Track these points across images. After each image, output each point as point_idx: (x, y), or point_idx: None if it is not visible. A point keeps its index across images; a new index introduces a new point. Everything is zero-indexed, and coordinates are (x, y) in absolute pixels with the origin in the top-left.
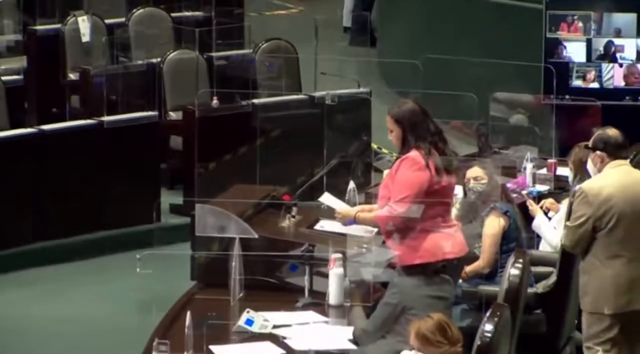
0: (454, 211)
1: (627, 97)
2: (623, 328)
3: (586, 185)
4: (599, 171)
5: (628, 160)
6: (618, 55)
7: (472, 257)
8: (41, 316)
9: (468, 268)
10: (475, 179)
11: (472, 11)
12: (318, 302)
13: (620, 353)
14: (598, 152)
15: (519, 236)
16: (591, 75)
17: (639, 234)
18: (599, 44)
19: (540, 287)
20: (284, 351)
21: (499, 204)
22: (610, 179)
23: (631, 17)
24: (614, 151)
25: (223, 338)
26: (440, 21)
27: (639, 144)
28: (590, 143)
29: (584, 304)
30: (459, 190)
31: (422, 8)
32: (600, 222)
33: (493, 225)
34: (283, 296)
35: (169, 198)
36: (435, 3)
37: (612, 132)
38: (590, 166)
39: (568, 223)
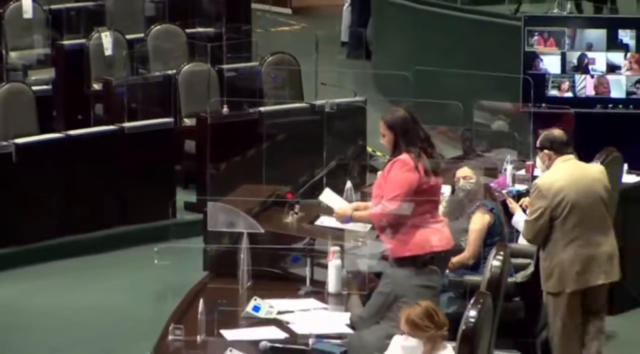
0: (441, 208)
1: (598, 105)
2: (582, 304)
3: (539, 181)
4: (548, 167)
5: (573, 155)
6: (590, 67)
7: (458, 250)
8: (67, 304)
9: (454, 259)
10: (464, 178)
11: (458, 27)
12: (318, 290)
13: (578, 326)
14: (546, 151)
15: (502, 231)
16: (565, 85)
17: (590, 219)
18: (573, 57)
19: (519, 277)
20: (288, 335)
21: (485, 202)
22: (560, 173)
23: (601, 32)
24: (560, 148)
25: (232, 323)
26: (428, 37)
27: (609, 147)
28: (537, 144)
29: (548, 286)
30: (446, 189)
31: (413, 25)
32: (556, 212)
33: (479, 221)
34: (287, 285)
35: (183, 197)
36: (424, 20)
37: (557, 132)
38: (539, 164)
39: (527, 218)
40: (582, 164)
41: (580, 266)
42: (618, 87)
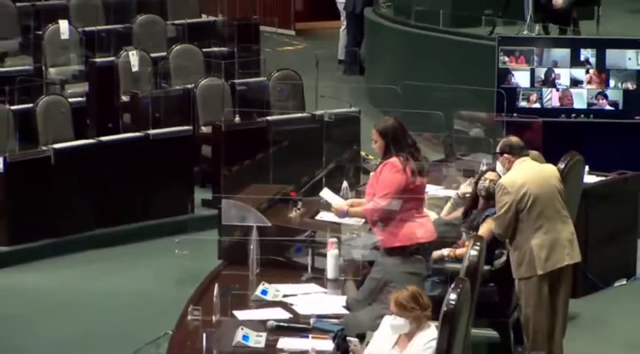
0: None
1: (562, 115)
2: (551, 285)
3: (503, 180)
4: (508, 169)
5: (528, 157)
6: (555, 81)
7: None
8: (99, 289)
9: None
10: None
11: (440, 47)
12: (318, 276)
13: (547, 307)
14: (505, 155)
15: None
16: (534, 97)
17: (550, 209)
18: (540, 72)
19: (494, 265)
20: (292, 315)
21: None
22: (520, 171)
23: (565, 51)
24: (518, 152)
25: (243, 304)
26: (415, 55)
27: (572, 152)
28: (497, 149)
29: (519, 273)
30: (430, 188)
31: (401, 45)
32: (520, 205)
33: (488, 228)
34: (291, 272)
35: (200, 194)
36: (411, 41)
37: (513, 138)
38: (499, 167)
39: (495, 216)
40: (537, 163)
41: (547, 251)
42: (580, 99)
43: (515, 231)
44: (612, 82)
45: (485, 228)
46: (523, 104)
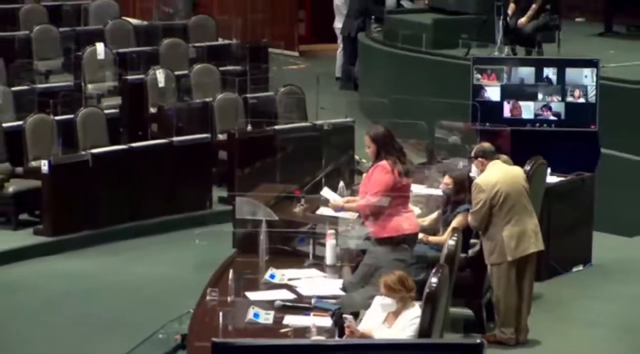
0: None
1: (528, 125)
2: (518, 270)
3: (478, 180)
4: (482, 171)
5: (499, 159)
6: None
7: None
8: (130, 273)
9: (432, 239)
10: (445, 184)
11: (423, 66)
12: (318, 263)
13: (515, 289)
14: (479, 158)
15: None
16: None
17: (518, 204)
18: (511, 88)
19: (469, 253)
20: (296, 296)
21: (468, 206)
22: (493, 172)
23: (531, 70)
24: (490, 155)
25: (254, 287)
26: (401, 73)
27: (536, 156)
28: (472, 154)
29: (492, 260)
30: (415, 187)
31: (389, 64)
32: (494, 201)
33: (460, 220)
34: (295, 258)
35: (217, 192)
36: (398, 61)
37: (486, 144)
38: (474, 169)
39: (472, 210)
40: (507, 165)
41: (516, 241)
42: (528, 111)
43: (489, 223)
44: (542, 96)
45: (457, 221)
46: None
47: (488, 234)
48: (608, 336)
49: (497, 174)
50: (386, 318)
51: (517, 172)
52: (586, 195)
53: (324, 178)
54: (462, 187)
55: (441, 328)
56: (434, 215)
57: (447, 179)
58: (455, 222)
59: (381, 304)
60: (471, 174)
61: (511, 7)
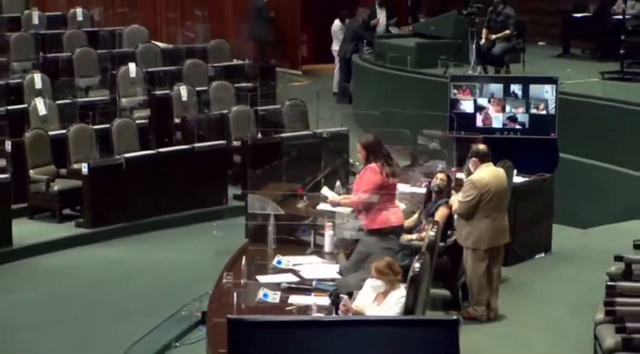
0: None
1: (497, 133)
2: (491, 257)
3: (473, 177)
4: (475, 168)
5: (491, 162)
6: (491, 107)
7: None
8: (158, 260)
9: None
10: (441, 179)
11: (408, 83)
12: (318, 250)
13: (486, 272)
14: (474, 159)
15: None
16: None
17: (499, 202)
18: (481, 101)
19: (447, 242)
20: (299, 279)
21: (447, 199)
22: (485, 172)
23: (500, 86)
24: (483, 157)
25: (263, 271)
26: (389, 89)
27: (505, 159)
28: (469, 153)
29: (467, 244)
30: (400, 186)
31: (379, 81)
32: (482, 197)
33: (442, 213)
34: (298, 247)
35: (232, 190)
36: (386, 78)
37: (481, 146)
38: (471, 167)
39: (461, 200)
40: (496, 168)
41: (490, 233)
42: (497, 121)
43: (473, 214)
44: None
45: (439, 215)
46: (480, 124)
47: (469, 221)
48: (564, 312)
49: (488, 174)
50: (376, 297)
51: (503, 176)
52: (547, 193)
53: (323, 178)
54: (448, 184)
55: (423, 306)
56: (415, 216)
57: (442, 176)
58: (438, 216)
59: (372, 285)
60: (458, 175)
61: (484, 32)
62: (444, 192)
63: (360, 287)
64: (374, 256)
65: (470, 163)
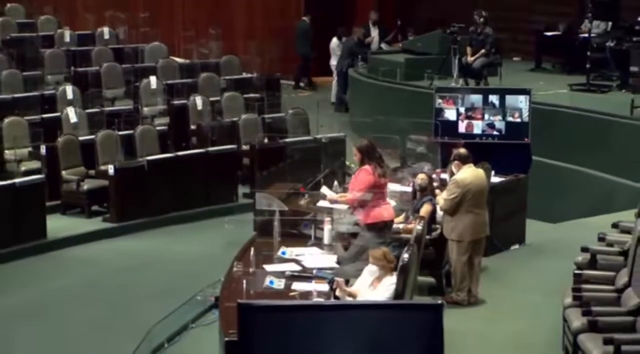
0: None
1: (477, 138)
2: (473, 249)
3: (457, 177)
4: (458, 169)
5: (472, 163)
6: (472, 115)
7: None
8: (175, 251)
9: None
10: (422, 179)
11: (398, 94)
12: (318, 242)
13: (467, 262)
14: (456, 161)
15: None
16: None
17: (480, 199)
18: (462, 110)
19: (432, 235)
20: (301, 268)
21: (431, 197)
22: (467, 173)
23: (479, 97)
24: (464, 160)
25: (270, 261)
26: (382, 99)
27: (483, 161)
28: (451, 157)
29: (452, 236)
30: (391, 186)
31: (373, 92)
32: (464, 195)
33: (425, 209)
34: (301, 239)
35: (242, 189)
36: (379, 90)
37: (461, 150)
38: (453, 169)
39: (446, 198)
40: (477, 169)
41: (472, 227)
42: (477, 128)
43: (456, 211)
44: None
45: (424, 210)
46: (462, 131)
47: (453, 217)
48: (537, 297)
49: (469, 175)
50: (372, 282)
51: (483, 176)
52: (521, 191)
53: (322, 179)
54: (430, 183)
55: (411, 292)
56: (402, 215)
57: (422, 176)
58: (422, 211)
59: (369, 271)
60: (442, 176)
61: (468, 50)
62: (427, 190)
63: (356, 275)
64: (370, 248)
65: (453, 166)
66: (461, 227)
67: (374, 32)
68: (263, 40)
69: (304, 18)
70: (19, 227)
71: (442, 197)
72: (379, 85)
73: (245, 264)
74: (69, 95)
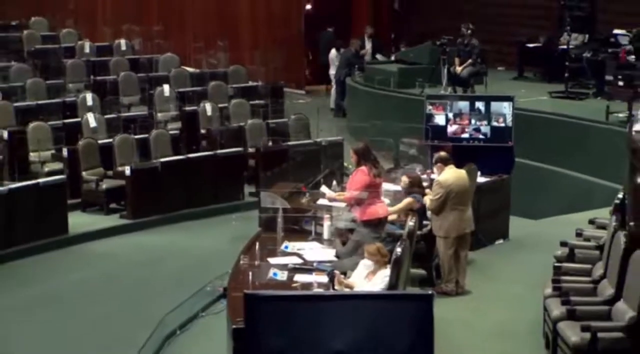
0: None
1: (464, 141)
2: (458, 244)
3: (439, 178)
4: (440, 171)
5: (453, 165)
6: (460, 121)
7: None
8: (186, 245)
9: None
10: (403, 181)
11: (392, 100)
12: (318, 238)
13: (453, 255)
14: (438, 164)
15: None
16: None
17: (462, 198)
18: (452, 116)
19: (423, 230)
20: (303, 261)
21: (415, 194)
22: (449, 174)
23: (466, 103)
24: (445, 162)
25: (273, 254)
26: (376, 105)
27: (470, 163)
28: (434, 161)
29: (440, 233)
30: (385, 185)
31: (368, 99)
32: (447, 194)
33: (407, 201)
34: (302, 234)
35: (248, 188)
36: (374, 97)
37: (442, 153)
38: (436, 171)
39: (431, 199)
40: (457, 169)
41: (457, 223)
42: (464, 132)
43: (441, 209)
44: (474, 121)
45: (405, 201)
46: (450, 135)
47: (439, 216)
48: (519, 288)
49: (451, 176)
50: (367, 275)
51: (464, 176)
52: (505, 190)
53: (322, 179)
54: (415, 184)
55: (404, 283)
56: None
57: (404, 179)
58: (404, 202)
59: (364, 264)
60: (432, 176)
61: (456, 60)
62: (414, 188)
63: (353, 268)
64: (366, 243)
65: (436, 168)
66: (447, 225)
67: (368, 45)
68: (267, 51)
69: (329, 29)
70: (43, 224)
71: (428, 198)
72: (374, 92)
73: (251, 257)
74: (89, 102)
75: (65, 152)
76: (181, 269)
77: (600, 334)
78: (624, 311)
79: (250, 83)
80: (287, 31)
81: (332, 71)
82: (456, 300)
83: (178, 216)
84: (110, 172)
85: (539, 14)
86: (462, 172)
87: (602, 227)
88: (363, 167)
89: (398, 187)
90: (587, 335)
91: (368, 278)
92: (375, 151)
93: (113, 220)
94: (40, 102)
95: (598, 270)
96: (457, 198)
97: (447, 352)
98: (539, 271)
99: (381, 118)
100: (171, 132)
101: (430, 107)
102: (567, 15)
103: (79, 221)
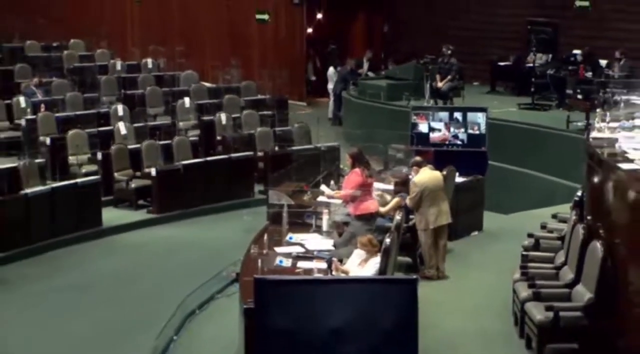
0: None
1: (444, 147)
2: (437, 234)
3: (415, 179)
4: (416, 173)
5: (427, 167)
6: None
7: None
8: (202, 237)
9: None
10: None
11: (382, 111)
12: (319, 230)
13: (433, 245)
14: (414, 167)
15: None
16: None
17: (437, 194)
18: (434, 125)
19: (409, 223)
20: (305, 250)
21: (402, 194)
22: (423, 175)
23: (446, 114)
24: (419, 165)
25: (280, 244)
26: (369, 116)
27: (449, 165)
28: (410, 165)
29: (420, 226)
30: (377, 185)
31: (362, 110)
32: (423, 193)
33: (394, 201)
34: (304, 227)
35: (258, 187)
36: (367, 108)
37: (417, 158)
38: (412, 173)
39: (410, 198)
40: (432, 170)
41: (434, 216)
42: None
43: (419, 206)
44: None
45: (394, 201)
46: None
47: (419, 211)
48: (492, 274)
49: (426, 177)
50: (360, 262)
51: (437, 175)
52: (479, 189)
53: (321, 179)
54: (402, 184)
55: (392, 269)
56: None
57: (391, 181)
58: (393, 202)
59: (358, 253)
60: (410, 177)
61: (437, 76)
62: (400, 186)
63: (348, 256)
64: (359, 235)
65: (413, 171)
66: (425, 219)
67: (366, 65)
68: (273, 69)
69: (332, 46)
70: (80, 218)
71: (409, 198)
72: (366, 104)
73: (260, 247)
74: (120, 112)
75: (99, 155)
76: (199, 257)
77: (562, 314)
78: (582, 293)
79: (259, 96)
80: (291, 52)
81: (330, 86)
82: (437, 284)
83: (197, 211)
84: (138, 173)
85: (509, 37)
86: (435, 173)
87: (564, 221)
88: (357, 169)
89: (387, 186)
90: (550, 314)
91: (361, 265)
92: (367, 155)
93: (141, 215)
94: (78, 112)
95: (560, 258)
96: (433, 194)
97: (430, 329)
98: (509, 259)
99: (373, 126)
100: (191, 138)
101: (415, 117)
102: (533, 38)
103: (111, 216)
